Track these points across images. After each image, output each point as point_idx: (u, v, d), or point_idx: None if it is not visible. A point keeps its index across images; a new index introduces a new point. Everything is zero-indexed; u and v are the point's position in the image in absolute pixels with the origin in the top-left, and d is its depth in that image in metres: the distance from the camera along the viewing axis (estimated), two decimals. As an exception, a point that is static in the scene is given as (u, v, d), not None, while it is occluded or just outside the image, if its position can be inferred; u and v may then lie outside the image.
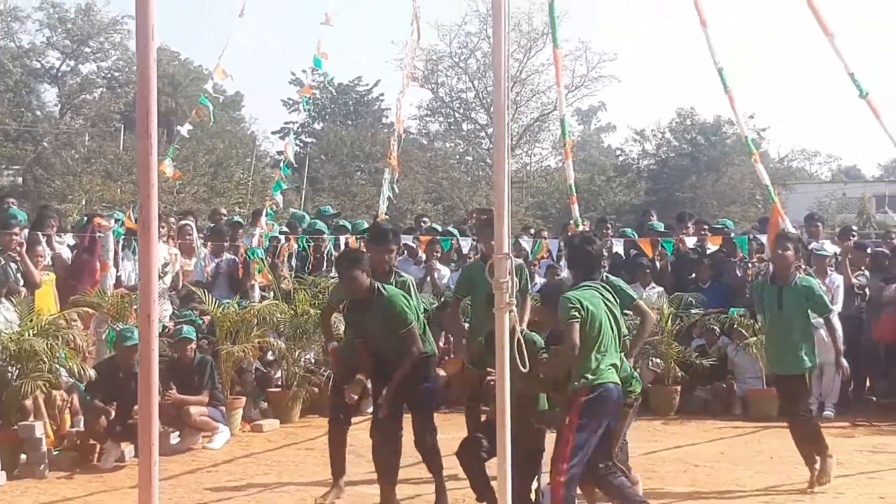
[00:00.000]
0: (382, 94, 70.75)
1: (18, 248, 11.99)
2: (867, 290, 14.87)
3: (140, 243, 4.17)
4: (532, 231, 19.40)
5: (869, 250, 15.33)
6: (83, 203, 35.83)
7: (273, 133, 63.87)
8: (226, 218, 17.95)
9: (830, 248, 15.06)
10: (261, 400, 13.86)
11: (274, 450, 12.12)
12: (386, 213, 17.05)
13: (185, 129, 14.79)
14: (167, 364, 11.88)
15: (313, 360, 13.91)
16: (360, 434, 9.96)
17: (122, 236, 13.35)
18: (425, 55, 62.23)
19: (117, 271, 13.38)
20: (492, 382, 6.78)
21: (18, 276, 11.88)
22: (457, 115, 67.18)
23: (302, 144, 66.12)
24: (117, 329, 11.76)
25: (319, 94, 69.40)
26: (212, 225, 16.78)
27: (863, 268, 14.95)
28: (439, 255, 15.96)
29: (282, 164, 16.05)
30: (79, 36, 56.13)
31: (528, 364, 6.47)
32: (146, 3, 3.98)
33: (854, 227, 18.91)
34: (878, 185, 75.20)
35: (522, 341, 6.46)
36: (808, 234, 15.48)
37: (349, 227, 17.32)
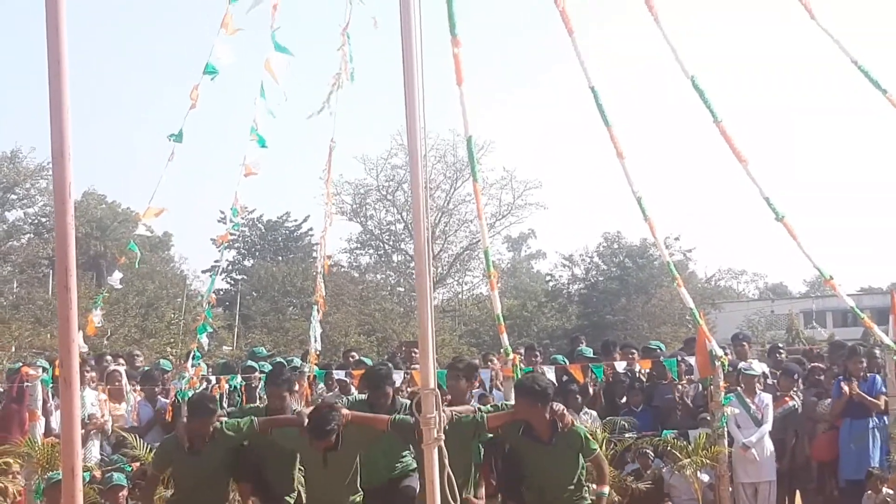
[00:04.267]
0: (311, 229, 71.17)
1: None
2: (799, 408, 15.02)
3: (62, 398, 4.18)
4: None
5: (796, 376, 15.49)
6: (13, 350, 35.41)
7: (203, 272, 63.67)
8: (140, 360, 18.11)
9: (758, 367, 15.20)
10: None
11: None
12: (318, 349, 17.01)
13: (116, 280, 14.64)
14: (98, 513, 11.73)
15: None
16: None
17: (51, 385, 13.21)
18: (353, 189, 62.91)
19: (46, 420, 13.21)
20: None
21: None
22: (386, 246, 67.63)
23: (232, 282, 66.08)
24: (45, 478, 11.60)
25: (248, 231, 69.62)
26: (145, 369, 16.70)
27: (793, 391, 15.11)
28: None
29: (206, 308, 16.01)
30: (4, 183, 56.08)
31: (458, 499, 6.49)
32: (63, 162, 4.05)
33: (781, 345, 19.10)
34: (805, 302, 76.31)
35: (452, 475, 6.48)
36: (735, 355, 15.64)
37: (286, 363, 17.30)
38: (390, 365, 13.08)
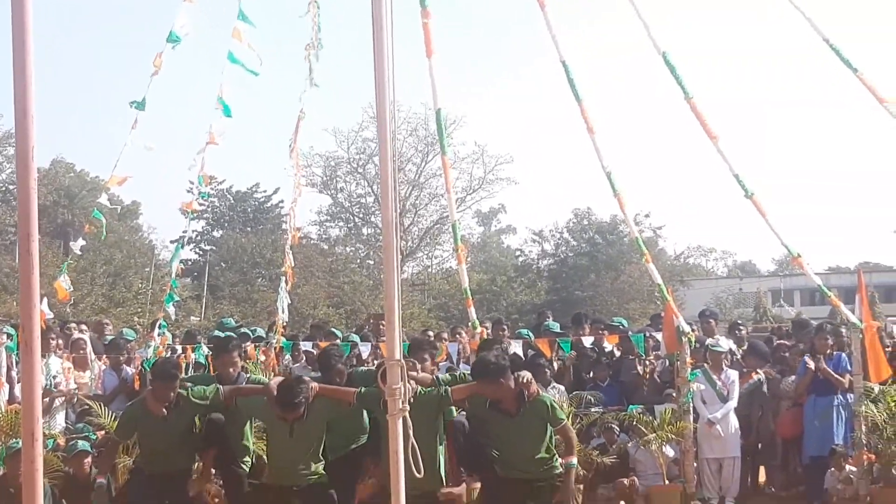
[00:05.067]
0: (282, 201, 70.86)
1: None
2: (764, 383, 15.11)
3: (23, 363, 4.15)
4: (431, 334, 19.33)
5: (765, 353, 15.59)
6: (-23, 317, 35.21)
7: (172, 241, 63.31)
8: (109, 328, 18.02)
9: (725, 343, 15.26)
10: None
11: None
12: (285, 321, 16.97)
13: (77, 246, 14.59)
14: (63, 480, 11.70)
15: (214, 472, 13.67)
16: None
17: (16, 351, 13.12)
18: (323, 161, 62.71)
19: (10, 387, 13.13)
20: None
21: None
22: (357, 219, 67.47)
23: (201, 252, 65.86)
24: (7, 445, 11.53)
25: (218, 201, 69.32)
26: (110, 338, 16.59)
27: (759, 370, 15.19)
28: (339, 360, 15.86)
29: (172, 278, 15.92)
30: (-29, 151, 55.68)
31: (422, 470, 6.49)
32: (26, 125, 4.00)
33: (740, 322, 19.29)
34: (773, 280, 76.74)
35: (416, 446, 6.48)
36: (702, 331, 15.69)
37: (251, 334, 17.28)
38: (339, 345, 13.15)
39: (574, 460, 9.55)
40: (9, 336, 13.38)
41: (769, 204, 13.89)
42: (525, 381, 9.47)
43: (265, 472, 10.55)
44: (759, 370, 15.13)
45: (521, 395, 9.41)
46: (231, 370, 10.57)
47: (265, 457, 11.05)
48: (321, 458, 9.80)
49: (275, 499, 10.03)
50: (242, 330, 17.75)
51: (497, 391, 9.19)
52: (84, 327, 16.67)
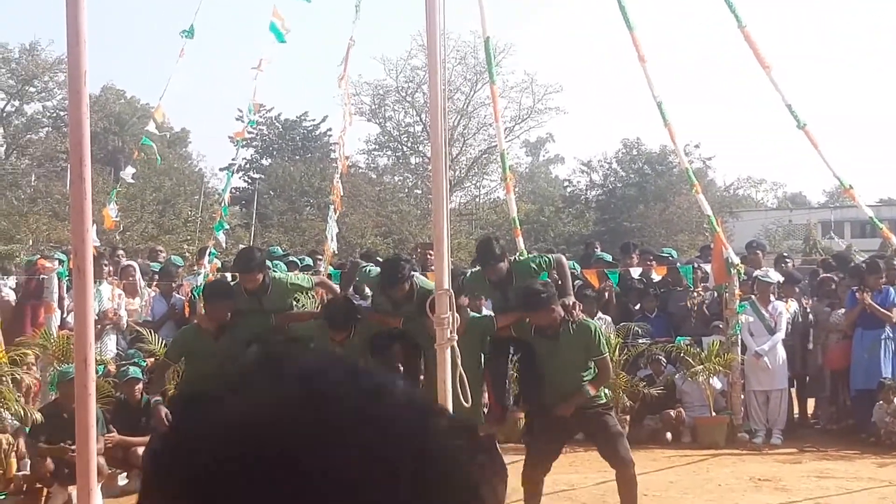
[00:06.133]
0: (330, 130, 70.63)
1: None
2: (811, 316, 15.05)
3: (75, 287, 4.19)
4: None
5: (798, 289, 15.49)
6: (30, 243, 35.46)
7: (221, 170, 63.40)
8: (162, 255, 18.12)
9: (774, 275, 15.19)
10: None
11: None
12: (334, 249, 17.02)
13: (128, 174, 14.68)
14: (115, 405, 11.84)
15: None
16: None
17: (67, 277, 13.23)
18: (372, 89, 62.54)
19: (62, 313, 13.27)
20: None
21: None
22: (405, 148, 67.27)
23: (250, 181, 66.00)
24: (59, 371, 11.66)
25: (266, 129, 69.34)
26: (160, 265, 16.70)
27: (794, 298, 15.14)
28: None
29: (222, 205, 15.97)
30: (23, 76, 55.80)
31: (470, 398, 6.51)
32: (78, 52, 4.01)
33: (786, 254, 19.22)
34: (824, 212, 75.88)
35: (465, 376, 6.50)
36: (749, 263, 15.59)
37: (298, 262, 17.33)
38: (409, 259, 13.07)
39: (592, 390, 9.27)
40: (60, 262, 13.49)
41: (821, 135, 13.79)
42: (570, 306, 9.41)
43: None
44: (793, 298, 15.09)
45: (564, 320, 9.34)
46: (251, 286, 10.34)
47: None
48: None
49: None
50: (290, 258, 17.80)
51: (546, 318, 9.15)
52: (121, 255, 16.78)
